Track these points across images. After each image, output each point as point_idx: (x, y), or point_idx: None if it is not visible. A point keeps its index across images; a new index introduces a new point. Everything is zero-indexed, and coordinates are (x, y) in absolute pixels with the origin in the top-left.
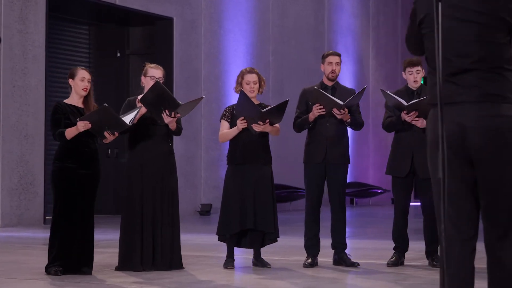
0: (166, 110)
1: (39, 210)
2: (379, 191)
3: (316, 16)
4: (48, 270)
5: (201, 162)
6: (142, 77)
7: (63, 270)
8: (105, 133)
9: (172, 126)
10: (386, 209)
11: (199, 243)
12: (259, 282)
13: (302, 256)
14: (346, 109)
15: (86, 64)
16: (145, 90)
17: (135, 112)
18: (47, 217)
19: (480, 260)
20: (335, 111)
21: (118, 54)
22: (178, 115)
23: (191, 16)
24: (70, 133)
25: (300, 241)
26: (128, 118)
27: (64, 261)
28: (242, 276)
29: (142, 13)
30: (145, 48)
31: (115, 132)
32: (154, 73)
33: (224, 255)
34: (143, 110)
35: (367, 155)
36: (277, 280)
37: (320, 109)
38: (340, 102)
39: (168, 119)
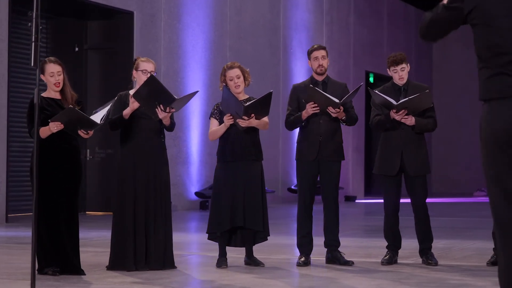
0: (161, 105)
1: (1, 208)
2: None
3: (272, 11)
4: (44, 271)
5: None
6: (134, 71)
7: (60, 271)
8: (79, 132)
9: (166, 121)
10: (340, 206)
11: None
12: (262, 282)
13: (291, 255)
14: (341, 107)
15: (43, 59)
16: (137, 85)
17: (107, 108)
18: (9, 215)
19: (478, 256)
20: (330, 109)
21: (77, 49)
22: (173, 110)
23: (151, 10)
24: (44, 132)
25: (282, 239)
26: (99, 115)
27: (58, 262)
28: (240, 275)
29: (101, 7)
30: (104, 42)
31: (88, 131)
32: (146, 66)
33: (208, 254)
34: (136, 105)
35: None
36: (277, 279)
37: (314, 107)
38: (336, 100)
39: (162, 114)
